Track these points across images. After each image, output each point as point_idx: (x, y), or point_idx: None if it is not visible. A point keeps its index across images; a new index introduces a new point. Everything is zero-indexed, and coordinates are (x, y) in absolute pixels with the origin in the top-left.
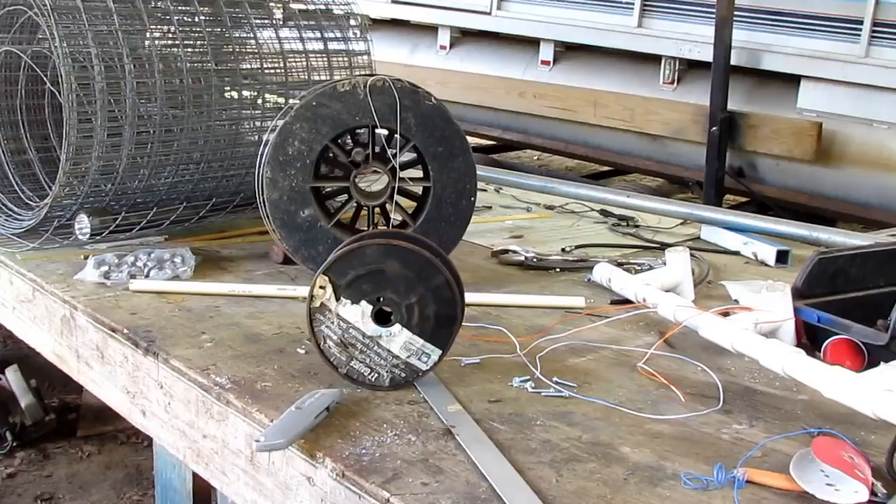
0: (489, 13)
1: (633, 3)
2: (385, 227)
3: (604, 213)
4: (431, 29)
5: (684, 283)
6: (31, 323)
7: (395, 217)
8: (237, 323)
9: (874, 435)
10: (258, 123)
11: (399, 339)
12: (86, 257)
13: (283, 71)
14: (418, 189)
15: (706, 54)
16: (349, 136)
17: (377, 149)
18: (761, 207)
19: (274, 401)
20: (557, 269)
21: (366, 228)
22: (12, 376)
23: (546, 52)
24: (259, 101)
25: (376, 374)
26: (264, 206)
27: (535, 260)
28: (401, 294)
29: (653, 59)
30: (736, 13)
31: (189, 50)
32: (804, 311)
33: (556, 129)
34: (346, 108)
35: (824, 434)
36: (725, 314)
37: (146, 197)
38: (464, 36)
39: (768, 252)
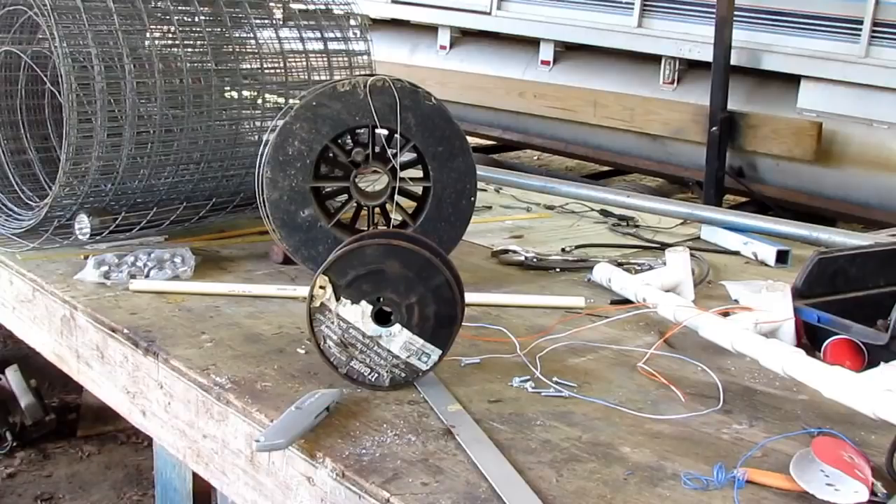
0: (489, 13)
1: (633, 3)
2: (385, 227)
3: (604, 213)
4: (431, 29)
5: (684, 283)
6: (31, 323)
7: (395, 217)
8: (237, 323)
9: (874, 435)
10: (258, 123)
11: (399, 339)
12: (86, 257)
13: (283, 71)
14: (418, 189)
15: (706, 54)
16: (349, 136)
17: (377, 149)
18: (761, 207)
19: (274, 401)
20: (557, 269)
21: (366, 228)
22: (12, 376)
23: (546, 52)
24: (259, 101)
25: (376, 374)
26: (264, 206)
27: (535, 260)
28: (401, 294)
29: (653, 59)
30: (736, 13)
31: (189, 50)
32: (804, 311)
33: (556, 129)
34: (346, 108)
35: (824, 434)
36: (725, 314)
37: (146, 197)
38: (464, 36)
39: (768, 252)
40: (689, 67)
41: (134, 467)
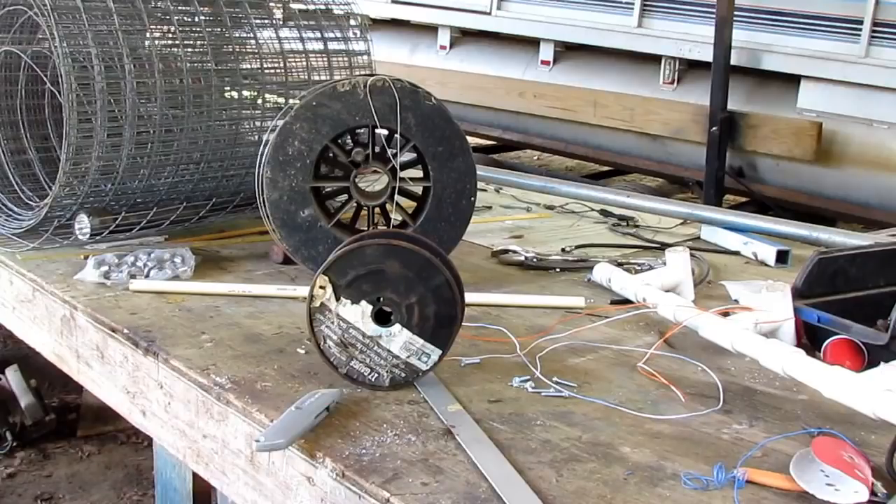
0: (489, 13)
1: (633, 3)
2: (385, 227)
3: (604, 213)
4: (431, 29)
5: (684, 283)
6: (31, 323)
7: (395, 217)
8: (237, 323)
9: (874, 435)
10: (258, 123)
11: (399, 339)
12: (86, 257)
13: (283, 71)
14: (418, 189)
15: (706, 54)
16: (349, 136)
17: (377, 149)
18: (761, 207)
19: (274, 401)
20: (557, 269)
21: (366, 228)
22: (12, 376)
23: (546, 52)
24: (259, 101)
25: (376, 374)
26: (264, 206)
27: (535, 260)
28: (401, 294)
29: (653, 59)
30: (736, 13)
31: (189, 50)
32: (804, 311)
33: (556, 129)
34: (346, 108)
35: (824, 434)
36: (725, 314)
37: (146, 197)
38: (464, 36)
39: (768, 252)
40: (689, 67)
41: (134, 467)
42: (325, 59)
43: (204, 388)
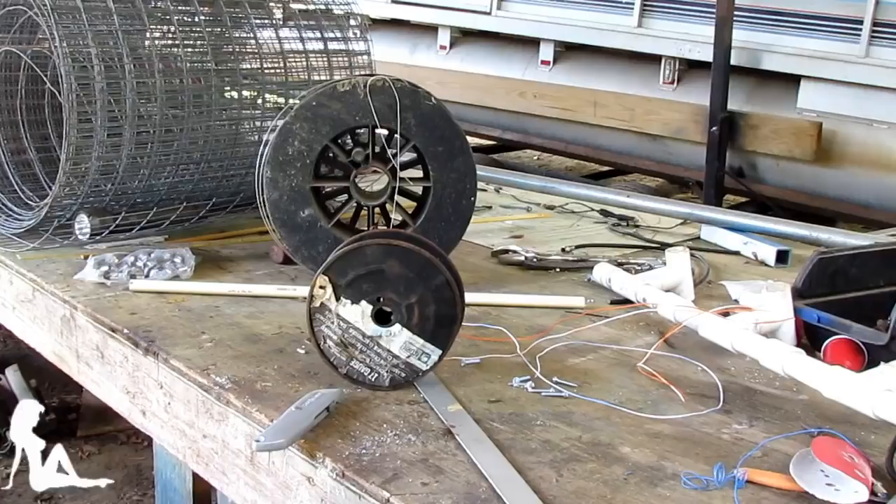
0: (489, 13)
1: (633, 3)
2: (385, 227)
3: (604, 213)
4: (431, 29)
5: (684, 283)
6: (31, 323)
7: (395, 217)
8: (237, 323)
9: (874, 435)
10: (258, 123)
11: (399, 339)
12: (86, 257)
13: (283, 71)
14: (418, 189)
15: (706, 54)
16: (349, 136)
17: (377, 149)
18: (761, 207)
19: (274, 401)
20: (557, 269)
21: (366, 228)
22: (12, 376)
23: (546, 52)
24: (259, 101)
25: (376, 374)
26: (264, 206)
27: (535, 260)
28: (401, 294)
29: (653, 59)
30: (736, 13)
31: (189, 50)
32: (804, 311)
33: (556, 129)
34: (346, 108)
35: (824, 434)
36: (725, 314)
37: (146, 197)
38: (464, 36)
39: (768, 252)
40: (689, 67)
41: (134, 467)
42: (325, 59)
43: (204, 388)
